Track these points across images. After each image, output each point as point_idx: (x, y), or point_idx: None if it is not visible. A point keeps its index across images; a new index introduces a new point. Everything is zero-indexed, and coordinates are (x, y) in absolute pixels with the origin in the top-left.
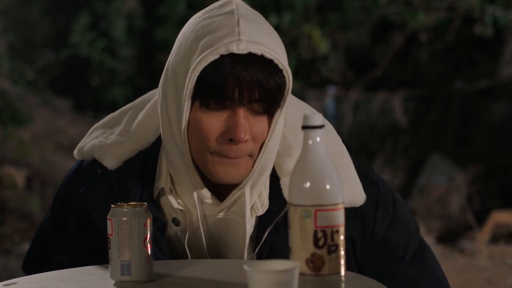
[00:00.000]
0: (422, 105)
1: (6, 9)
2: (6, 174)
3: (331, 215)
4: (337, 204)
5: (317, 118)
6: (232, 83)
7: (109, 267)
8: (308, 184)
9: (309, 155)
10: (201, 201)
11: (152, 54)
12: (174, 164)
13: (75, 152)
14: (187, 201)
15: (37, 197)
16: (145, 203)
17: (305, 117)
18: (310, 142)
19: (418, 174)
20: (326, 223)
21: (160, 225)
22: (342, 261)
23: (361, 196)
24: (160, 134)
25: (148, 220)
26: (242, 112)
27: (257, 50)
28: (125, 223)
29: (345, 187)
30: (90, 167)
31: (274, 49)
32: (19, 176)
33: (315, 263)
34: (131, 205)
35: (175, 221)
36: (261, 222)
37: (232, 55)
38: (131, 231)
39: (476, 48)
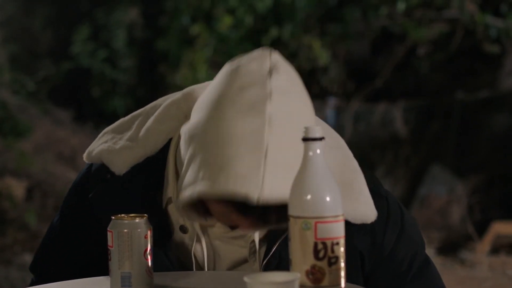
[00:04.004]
0: (423, 115)
1: (8, 20)
2: (7, 185)
3: (331, 227)
4: (337, 216)
5: (318, 130)
6: (238, 217)
7: (110, 278)
8: (308, 196)
9: (309, 167)
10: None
11: (153, 65)
12: None
13: (84, 155)
14: None
15: (35, 208)
16: (145, 214)
17: (306, 129)
18: (311, 153)
19: (418, 185)
20: (326, 235)
21: (168, 233)
22: (342, 273)
23: (373, 213)
24: (169, 140)
25: (149, 232)
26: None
27: (276, 202)
28: (125, 235)
29: (358, 204)
30: (99, 172)
31: None
32: (19, 187)
33: (315, 275)
34: (131, 217)
35: (183, 229)
36: (272, 233)
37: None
38: (132, 243)
39: (477, 58)
